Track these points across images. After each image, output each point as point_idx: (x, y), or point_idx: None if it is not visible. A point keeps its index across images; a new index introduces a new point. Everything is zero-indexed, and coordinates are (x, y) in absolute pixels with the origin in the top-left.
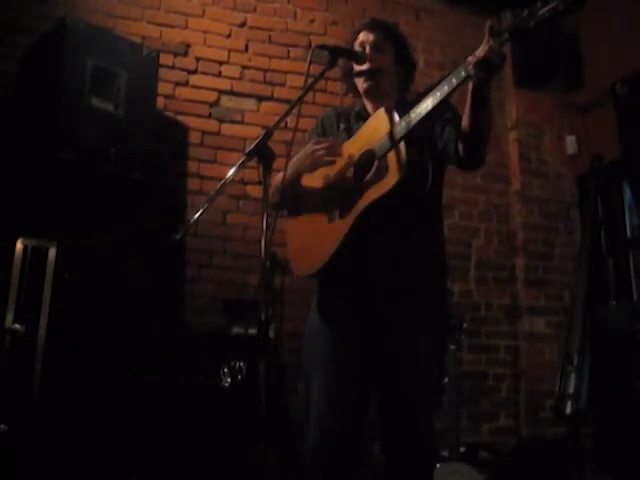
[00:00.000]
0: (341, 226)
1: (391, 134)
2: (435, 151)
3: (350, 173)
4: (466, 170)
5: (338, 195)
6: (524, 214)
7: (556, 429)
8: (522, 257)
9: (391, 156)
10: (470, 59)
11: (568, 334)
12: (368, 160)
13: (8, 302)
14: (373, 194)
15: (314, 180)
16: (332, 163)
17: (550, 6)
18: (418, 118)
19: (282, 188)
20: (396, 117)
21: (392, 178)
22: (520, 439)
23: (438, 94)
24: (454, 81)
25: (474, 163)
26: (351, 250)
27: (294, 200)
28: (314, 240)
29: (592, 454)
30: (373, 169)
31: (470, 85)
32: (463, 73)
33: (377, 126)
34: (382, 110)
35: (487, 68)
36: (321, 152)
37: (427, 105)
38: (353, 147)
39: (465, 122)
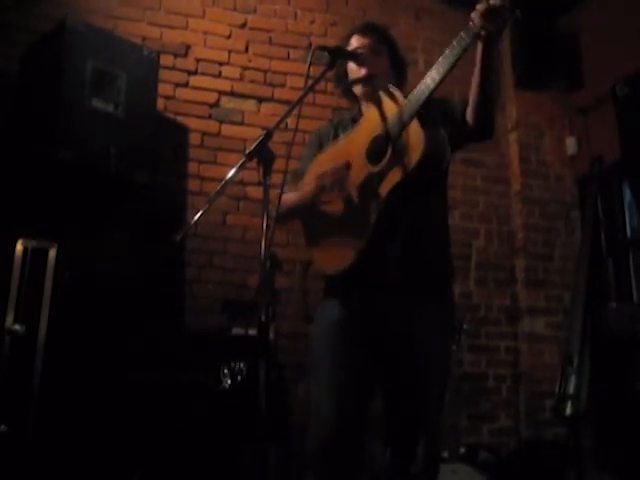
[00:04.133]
0: (367, 216)
1: (401, 112)
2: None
3: (363, 164)
4: (477, 141)
5: (355, 187)
6: (524, 215)
7: (556, 430)
8: (522, 258)
9: (408, 133)
10: (474, 15)
11: (568, 335)
12: (380, 144)
13: (8, 302)
14: (395, 177)
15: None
16: (341, 180)
17: None
18: (425, 94)
19: (287, 213)
20: (400, 95)
21: (415, 155)
22: (520, 440)
23: (446, 59)
24: (463, 42)
25: (486, 130)
26: (381, 233)
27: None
28: (338, 236)
29: (592, 454)
30: (389, 152)
31: (479, 46)
32: (471, 33)
33: (381, 111)
34: (383, 93)
35: (496, 18)
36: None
37: (434, 75)
38: (359, 137)
39: (475, 88)
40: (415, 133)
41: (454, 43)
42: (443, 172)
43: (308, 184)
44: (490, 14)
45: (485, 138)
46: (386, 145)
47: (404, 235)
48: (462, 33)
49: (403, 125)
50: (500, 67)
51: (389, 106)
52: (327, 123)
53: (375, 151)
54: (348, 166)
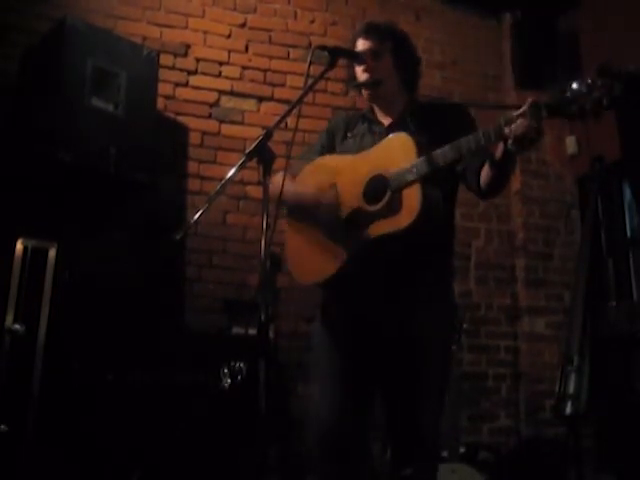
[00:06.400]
0: (347, 246)
1: (409, 171)
2: (453, 173)
3: (359, 196)
4: (480, 199)
5: (345, 211)
6: (524, 214)
7: (556, 429)
8: (522, 257)
9: (407, 194)
10: (508, 132)
11: (568, 334)
12: (379, 186)
13: (8, 302)
14: (383, 228)
15: (321, 190)
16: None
17: (596, 98)
18: (437, 166)
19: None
20: (414, 154)
21: (406, 218)
22: (520, 439)
23: (469, 142)
24: (487, 140)
25: (492, 197)
26: (357, 264)
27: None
28: (316, 250)
29: (592, 454)
30: (385, 200)
31: (502, 146)
32: (498, 137)
33: (395, 151)
34: (404, 136)
35: (526, 143)
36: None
37: (446, 156)
38: (365, 164)
39: (494, 169)
40: (413, 196)
41: (480, 134)
42: (454, 184)
43: (304, 193)
44: (523, 140)
45: (486, 200)
46: (384, 191)
47: (396, 255)
48: (491, 132)
49: (405, 184)
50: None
51: (403, 152)
52: (339, 116)
53: (373, 189)
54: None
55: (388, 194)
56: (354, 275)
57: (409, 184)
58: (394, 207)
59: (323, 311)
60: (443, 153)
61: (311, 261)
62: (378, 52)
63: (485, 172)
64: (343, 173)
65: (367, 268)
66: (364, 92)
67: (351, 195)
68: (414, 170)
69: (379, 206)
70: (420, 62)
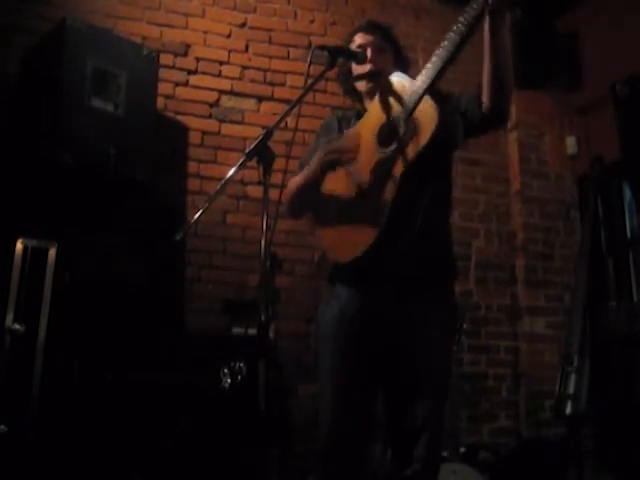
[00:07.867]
0: (382, 200)
1: (413, 91)
2: (454, 117)
3: (374, 150)
4: (492, 127)
5: (368, 177)
6: (524, 215)
7: (556, 430)
8: (522, 258)
9: (420, 112)
10: None
11: (568, 335)
12: (391, 129)
13: (8, 302)
14: (410, 153)
15: (337, 179)
16: (349, 159)
17: None
18: (440, 63)
19: (296, 195)
20: (406, 77)
21: (427, 130)
22: (520, 440)
23: (455, 34)
24: (471, 15)
25: (501, 116)
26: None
27: (318, 204)
28: (352, 224)
29: (592, 455)
30: (400, 133)
31: (486, 26)
32: (476, 8)
33: (385, 101)
34: (391, 78)
35: None
36: (334, 155)
37: (442, 53)
38: (367, 129)
39: (487, 68)
40: (427, 110)
41: (460, 19)
42: (447, 172)
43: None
44: None
45: (499, 124)
46: (396, 128)
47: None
48: (467, 8)
49: (416, 102)
50: (510, 48)
51: (397, 90)
52: (331, 115)
53: (385, 137)
54: (357, 149)
55: (402, 126)
56: (390, 242)
57: (420, 99)
58: (412, 133)
59: (325, 309)
60: (434, 59)
61: (352, 236)
62: (380, 47)
63: (484, 81)
64: (350, 153)
65: (404, 225)
66: (364, 86)
67: (367, 159)
68: (416, 87)
69: (397, 142)
70: (410, 67)
